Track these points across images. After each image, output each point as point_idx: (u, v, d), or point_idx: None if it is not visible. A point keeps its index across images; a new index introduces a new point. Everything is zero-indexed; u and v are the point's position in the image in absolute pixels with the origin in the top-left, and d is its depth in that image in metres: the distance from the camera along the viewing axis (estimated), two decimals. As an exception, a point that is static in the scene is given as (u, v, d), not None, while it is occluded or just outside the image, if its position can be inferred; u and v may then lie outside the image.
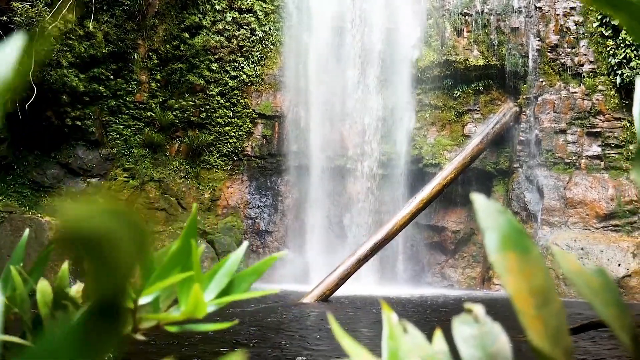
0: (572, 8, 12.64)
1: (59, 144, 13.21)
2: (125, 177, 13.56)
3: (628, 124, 12.13)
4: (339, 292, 10.43)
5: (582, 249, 11.52)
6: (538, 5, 12.87)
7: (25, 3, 10.79)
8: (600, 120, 12.33)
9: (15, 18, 10.71)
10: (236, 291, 0.70)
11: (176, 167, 14.25)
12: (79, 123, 13.05)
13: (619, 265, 11.15)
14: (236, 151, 14.46)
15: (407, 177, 13.70)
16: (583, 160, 12.36)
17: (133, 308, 0.64)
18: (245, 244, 0.84)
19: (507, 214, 0.42)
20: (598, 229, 11.93)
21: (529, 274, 0.41)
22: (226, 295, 0.68)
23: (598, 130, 12.33)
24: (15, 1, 10.89)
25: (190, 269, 0.66)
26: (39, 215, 11.47)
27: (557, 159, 12.52)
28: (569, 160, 12.44)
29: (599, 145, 12.32)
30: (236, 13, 14.33)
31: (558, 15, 12.70)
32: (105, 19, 13.17)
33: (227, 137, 14.41)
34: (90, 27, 12.65)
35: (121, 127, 13.81)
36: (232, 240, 13.51)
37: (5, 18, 10.89)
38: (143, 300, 0.64)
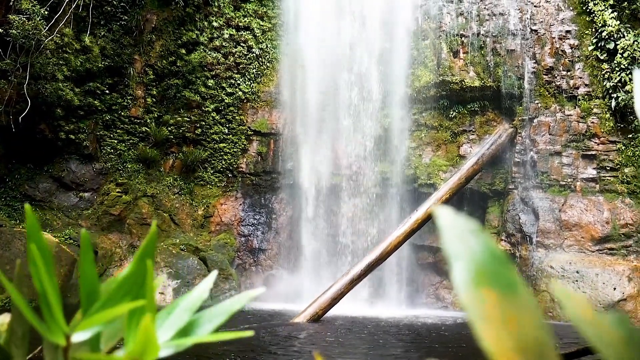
0: (568, 31, 12.72)
1: (52, 158, 13.10)
2: (118, 192, 13.44)
3: (623, 147, 12.12)
4: (332, 312, 10.29)
5: (577, 272, 11.42)
6: (534, 28, 12.94)
7: (22, 16, 10.77)
8: (596, 143, 12.33)
9: (11, 31, 10.68)
10: (199, 332, 0.57)
11: (170, 182, 14.14)
12: (72, 137, 12.96)
13: (614, 289, 11.04)
14: (231, 168, 14.38)
15: (402, 196, 13.62)
16: (578, 183, 12.33)
17: (65, 345, 0.53)
18: (214, 273, 0.72)
19: (484, 235, 0.31)
20: (593, 252, 11.85)
21: (516, 322, 0.29)
22: (185, 335, 0.55)
23: (593, 153, 12.32)
24: (12, 14, 10.87)
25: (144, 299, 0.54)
26: (29, 229, 11.31)
27: (552, 181, 12.49)
28: (564, 183, 12.41)
29: (594, 168, 12.30)
30: (233, 30, 14.37)
31: (554, 38, 12.78)
32: (102, 33, 13.17)
33: (222, 153, 14.34)
34: (87, 41, 12.63)
35: (115, 141, 13.73)
36: (224, 257, 13.36)
37: (1, 31, 10.86)
38: (78, 336, 0.51)
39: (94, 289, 0.55)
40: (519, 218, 12.55)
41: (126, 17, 13.34)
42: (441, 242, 0.33)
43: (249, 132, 14.42)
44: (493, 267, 0.31)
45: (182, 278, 12.29)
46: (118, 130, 13.77)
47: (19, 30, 10.65)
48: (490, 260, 0.31)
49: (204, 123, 14.26)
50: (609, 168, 12.20)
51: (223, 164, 14.36)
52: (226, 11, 14.39)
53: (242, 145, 14.39)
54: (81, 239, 0.58)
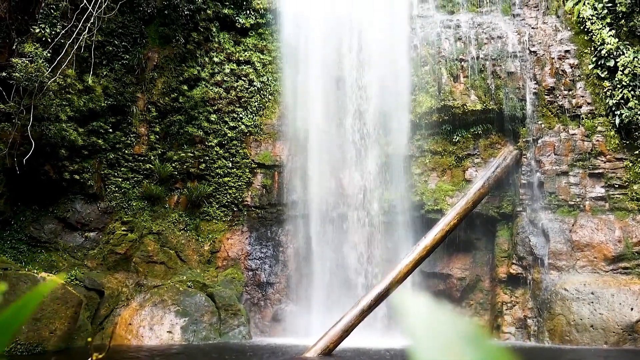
0: (567, 51, 12.75)
1: (56, 198, 13.08)
2: (123, 230, 13.37)
3: (630, 164, 12.00)
4: (344, 345, 10.06)
5: (592, 293, 11.17)
6: (533, 49, 12.99)
7: (25, 59, 10.89)
8: (602, 161, 12.21)
9: (14, 74, 10.79)
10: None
11: (175, 219, 14.07)
12: (77, 177, 12.97)
13: (632, 309, 10.78)
14: (236, 202, 14.31)
15: (409, 224, 13.49)
16: (587, 202, 12.17)
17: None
18: None
19: (479, 336, 0.19)
20: (607, 272, 11.61)
21: None
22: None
23: (600, 171, 12.19)
24: (15, 57, 11.01)
25: None
26: (35, 271, 11.22)
27: (560, 201, 12.33)
28: (572, 203, 12.25)
29: (602, 187, 12.16)
30: (234, 65, 14.49)
31: (553, 58, 12.80)
32: (105, 73, 13.30)
33: (227, 187, 14.30)
34: (90, 81, 12.74)
35: (120, 180, 13.73)
36: (232, 293, 13.17)
37: (4, 74, 10.97)
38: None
39: None
40: (529, 240, 12.36)
41: (128, 56, 13.49)
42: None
43: (253, 165, 14.39)
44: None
45: (190, 315, 12.10)
46: (122, 169, 13.78)
47: (22, 73, 10.75)
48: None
49: (207, 158, 14.26)
50: (617, 186, 12.06)
51: (228, 198, 14.30)
52: (227, 46, 14.55)
53: (247, 179, 14.35)
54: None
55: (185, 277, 13.24)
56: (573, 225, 12.04)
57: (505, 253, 12.90)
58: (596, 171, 12.22)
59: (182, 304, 12.26)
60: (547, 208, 12.39)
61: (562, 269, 11.81)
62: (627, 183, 11.99)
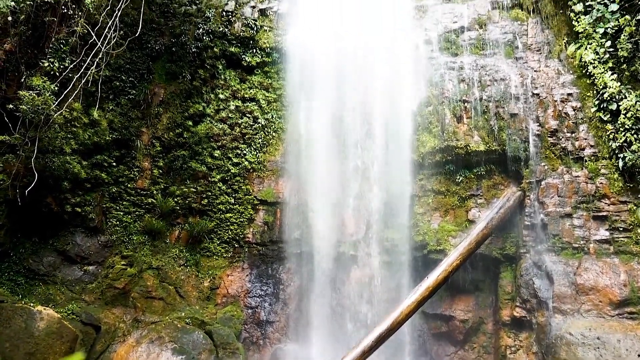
0: (569, 94, 12.86)
1: (57, 231, 13.01)
2: (123, 264, 13.25)
3: (634, 207, 11.93)
4: (343, 387, 9.82)
5: (598, 338, 10.94)
6: (535, 91, 13.12)
7: (32, 92, 11.01)
8: (606, 203, 12.15)
9: (21, 106, 10.89)
10: None
11: (176, 254, 13.96)
12: (78, 209, 12.93)
13: (639, 355, 10.53)
14: (237, 238, 14.23)
15: (412, 264, 13.37)
16: (592, 245, 12.05)
17: None
18: None
19: None
20: (613, 316, 11.40)
21: None
22: None
23: (604, 214, 12.11)
24: (23, 90, 11.13)
25: None
26: (31, 304, 11.07)
27: (564, 243, 12.22)
28: (577, 245, 12.13)
29: (606, 229, 12.05)
30: (239, 102, 14.65)
31: (556, 101, 12.91)
32: (111, 107, 13.44)
33: (229, 223, 14.25)
34: (95, 115, 12.86)
35: (121, 213, 13.69)
36: (231, 331, 12.95)
37: (11, 106, 11.07)
38: None
39: None
40: (533, 283, 12.19)
41: (134, 91, 13.66)
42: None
43: (255, 202, 14.38)
44: None
45: (187, 353, 11.87)
46: (124, 202, 13.76)
47: (28, 106, 10.85)
48: None
49: (210, 193, 14.26)
50: (621, 229, 11.95)
51: (229, 234, 14.23)
52: (232, 83, 14.74)
53: (249, 215, 14.31)
54: None
55: (183, 314, 13.05)
56: (577, 268, 11.89)
57: (509, 295, 12.71)
58: (600, 214, 12.14)
59: (179, 341, 12.04)
60: (551, 250, 12.27)
61: (567, 313, 11.60)
62: (631, 226, 11.89)
